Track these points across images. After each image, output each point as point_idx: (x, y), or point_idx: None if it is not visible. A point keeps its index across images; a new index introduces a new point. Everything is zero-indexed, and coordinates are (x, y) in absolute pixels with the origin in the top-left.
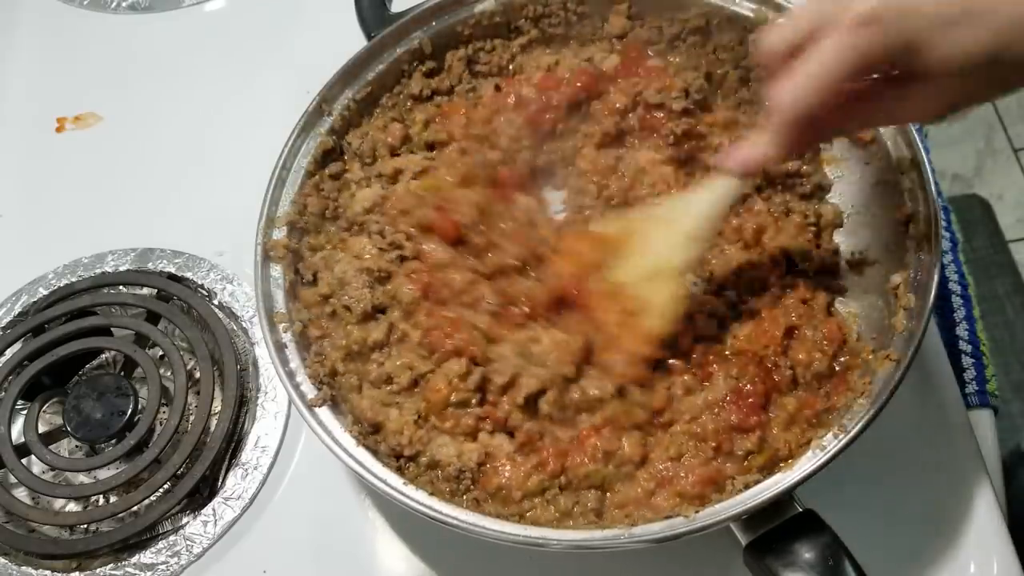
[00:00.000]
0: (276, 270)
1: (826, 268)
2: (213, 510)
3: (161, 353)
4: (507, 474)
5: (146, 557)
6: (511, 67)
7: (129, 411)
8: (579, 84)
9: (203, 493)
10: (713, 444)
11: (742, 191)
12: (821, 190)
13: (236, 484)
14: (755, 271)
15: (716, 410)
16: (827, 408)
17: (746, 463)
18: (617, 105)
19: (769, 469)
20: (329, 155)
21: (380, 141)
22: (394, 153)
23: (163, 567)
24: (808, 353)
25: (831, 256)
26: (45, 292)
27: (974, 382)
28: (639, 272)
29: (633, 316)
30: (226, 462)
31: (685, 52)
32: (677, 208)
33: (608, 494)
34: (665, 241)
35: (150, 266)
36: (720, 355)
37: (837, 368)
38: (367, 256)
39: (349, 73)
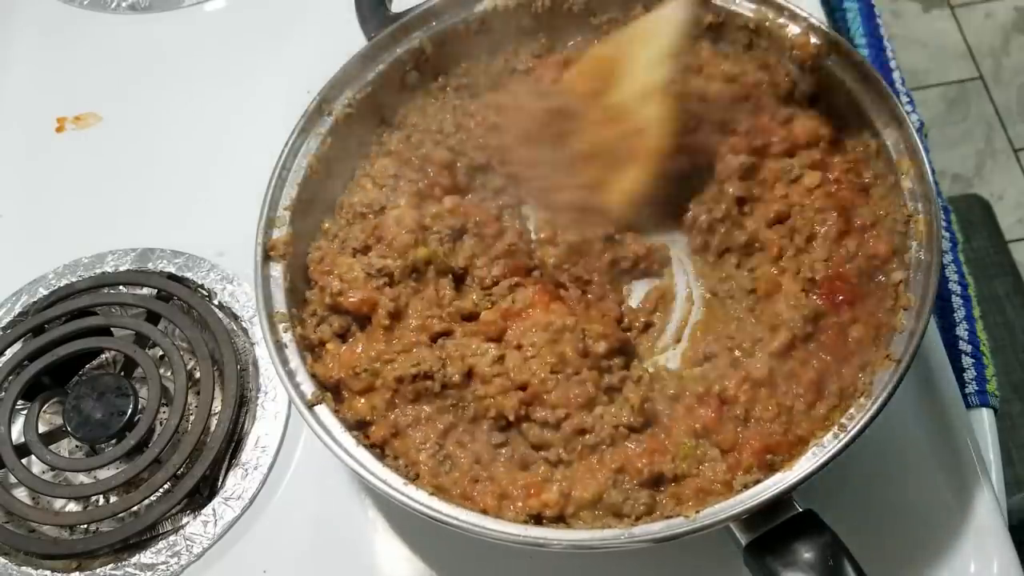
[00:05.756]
0: (276, 270)
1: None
2: (213, 510)
3: (161, 353)
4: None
5: (146, 557)
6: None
7: (129, 411)
8: None
9: (203, 493)
10: (811, 378)
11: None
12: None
13: (236, 484)
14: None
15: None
16: (888, 323)
17: (827, 421)
18: None
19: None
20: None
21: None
22: None
23: (163, 567)
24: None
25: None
26: (45, 292)
27: (974, 382)
28: (630, 92)
29: (632, 136)
30: (226, 462)
31: None
32: (649, 25)
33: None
34: (646, 59)
35: (150, 266)
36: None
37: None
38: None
39: (349, 73)
